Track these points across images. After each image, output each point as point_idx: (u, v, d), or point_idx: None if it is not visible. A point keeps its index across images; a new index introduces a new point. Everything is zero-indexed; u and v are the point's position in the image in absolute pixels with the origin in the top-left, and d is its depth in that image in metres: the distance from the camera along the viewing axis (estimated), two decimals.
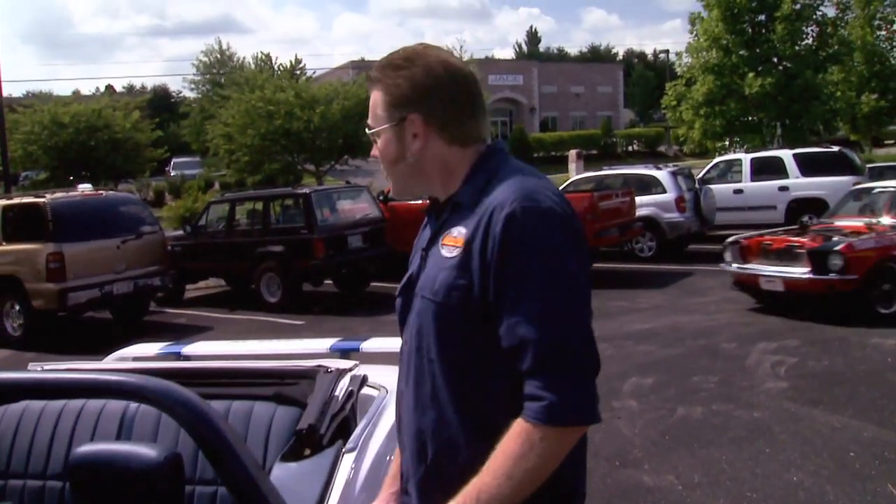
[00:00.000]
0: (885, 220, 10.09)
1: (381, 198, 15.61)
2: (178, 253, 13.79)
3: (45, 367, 2.88)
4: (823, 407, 6.08)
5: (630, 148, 50.39)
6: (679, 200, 15.09)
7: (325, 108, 34.41)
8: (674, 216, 15.05)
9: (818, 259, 9.08)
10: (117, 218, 12.04)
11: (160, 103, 64.99)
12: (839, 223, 10.40)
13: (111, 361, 3.47)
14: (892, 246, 9.15)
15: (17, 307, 11.26)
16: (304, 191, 12.97)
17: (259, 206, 13.47)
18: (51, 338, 10.99)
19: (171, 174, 42.17)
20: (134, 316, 12.62)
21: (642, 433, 5.76)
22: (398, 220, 13.86)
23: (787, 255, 9.63)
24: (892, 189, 10.73)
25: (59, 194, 12.08)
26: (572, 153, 35.87)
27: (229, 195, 15.05)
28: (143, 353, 3.57)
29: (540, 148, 48.40)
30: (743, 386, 6.76)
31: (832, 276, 8.92)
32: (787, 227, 11.61)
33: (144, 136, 34.53)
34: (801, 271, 9.25)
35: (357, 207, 13.90)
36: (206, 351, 3.46)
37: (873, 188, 11.37)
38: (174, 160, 46.34)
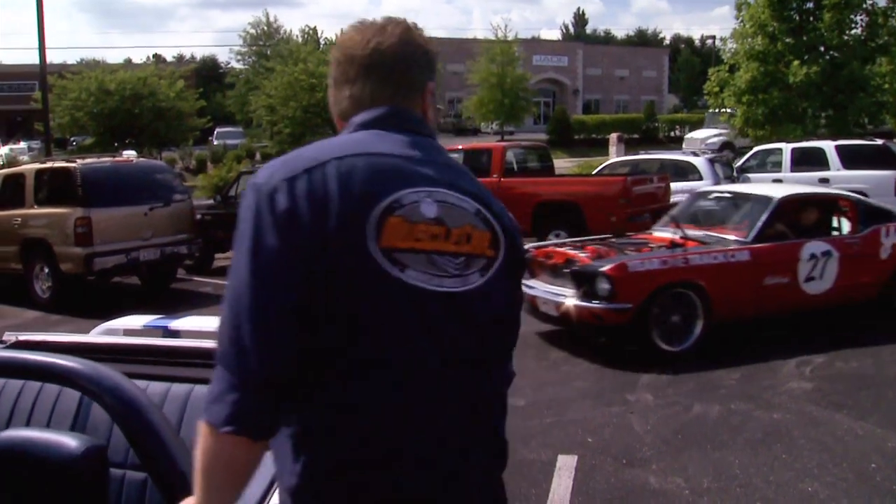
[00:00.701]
0: (694, 232, 8.15)
1: None
2: (208, 222, 13.65)
3: (20, 338, 2.79)
4: (847, 411, 5.85)
5: (672, 133, 49.58)
6: None
7: None
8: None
9: (582, 281, 7.38)
10: (147, 185, 11.93)
11: (208, 73, 65.52)
12: (657, 234, 8.66)
13: (96, 334, 3.37)
14: (682, 268, 7.32)
15: (47, 270, 11.30)
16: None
17: None
18: (78, 301, 10.98)
19: (214, 143, 42.33)
20: (161, 283, 12.60)
21: (654, 430, 5.57)
22: None
23: (561, 273, 7.84)
24: (728, 195, 9.13)
25: (90, 160, 12.07)
26: (613, 136, 35.44)
27: (259, 166, 14.99)
28: (130, 326, 3.47)
29: (581, 130, 47.93)
30: (765, 385, 6.54)
31: (597, 303, 7.19)
32: (597, 237, 9.32)
33: (188, 105, 34.82)
34: (569, 295, 7.52)
35: None
36: (195, 326, 3.34)
37: (712, 192, 9.52)
38: (217, 130, 46.71)
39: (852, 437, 5.35)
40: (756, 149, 18.25)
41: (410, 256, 1.50)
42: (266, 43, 60.29)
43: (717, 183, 14.68)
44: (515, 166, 15.60)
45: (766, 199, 8.16)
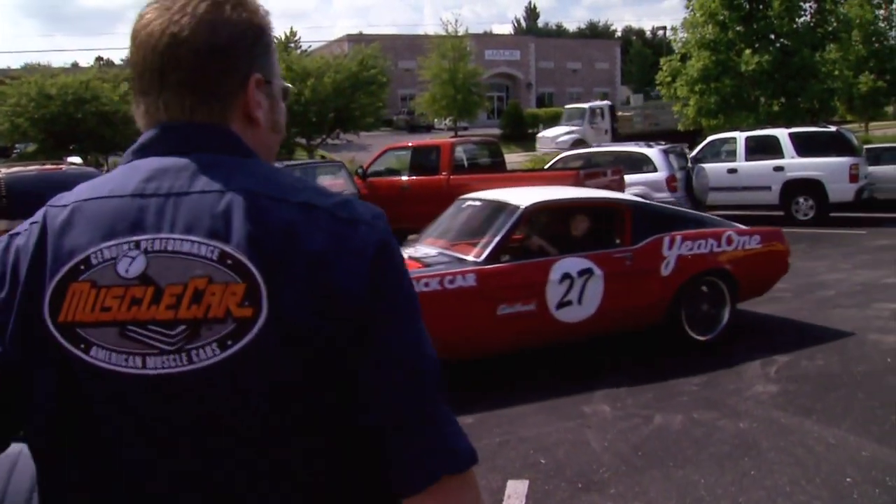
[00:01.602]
0: (428, 251, 7.15)
1: (359, 173, 15.05)
2: None
3: None
4: (817, 417, 5.45)
5: None
6: (670, 180, 14.50)
7: (317, 81, 33.95)
8: (664, 196, 14.39)
9: None
10: None
11: None
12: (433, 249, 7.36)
13: None
14: None
15: None
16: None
17: None
18: None
19: None
20: None
21: (612, 447, 5.13)
22: (377, 197, 13.29)
23: None
24: (481, 203, 7.65)
25: (15, 168, 11.57)
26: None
27: None
28: None
29: (535, 124, 47.78)
30: (730, 389, 6.14)
31: None
32: None
33: (133, 109, 33.89)
34: None
35: (333, 184, 13.32)
36: None
37: (469, 199, 8.00)
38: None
39: (824, 446, 4.95)
40: (710, 138, 18.04)
41: (96, 331, 1.15)
42: None
43: (671, 175, 14.42)
44: (466, 163, 15.16)
45: (509, 209, 6.93)
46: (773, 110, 24.20)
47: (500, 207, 7.10)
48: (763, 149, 16.21)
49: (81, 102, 32.11)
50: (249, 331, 1.11)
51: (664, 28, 55.60)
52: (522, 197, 7.12)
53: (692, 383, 6.33)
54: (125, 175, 1.22)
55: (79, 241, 1.16)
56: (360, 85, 36.64)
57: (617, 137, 33.46)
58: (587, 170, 13.52)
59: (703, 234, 7.31)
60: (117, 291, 1.14)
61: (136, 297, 1.13)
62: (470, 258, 6.57)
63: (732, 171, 16.33)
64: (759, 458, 4.81)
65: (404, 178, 14.63)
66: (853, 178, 15.22)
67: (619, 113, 40.17)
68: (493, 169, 15.20)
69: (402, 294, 1.20)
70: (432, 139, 16.72)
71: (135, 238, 1.15)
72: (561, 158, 16.95)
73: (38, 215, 1.22)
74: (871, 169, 16.31)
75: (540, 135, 39.11)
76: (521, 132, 45.99)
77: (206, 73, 1.24)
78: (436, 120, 49.83)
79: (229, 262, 1.13)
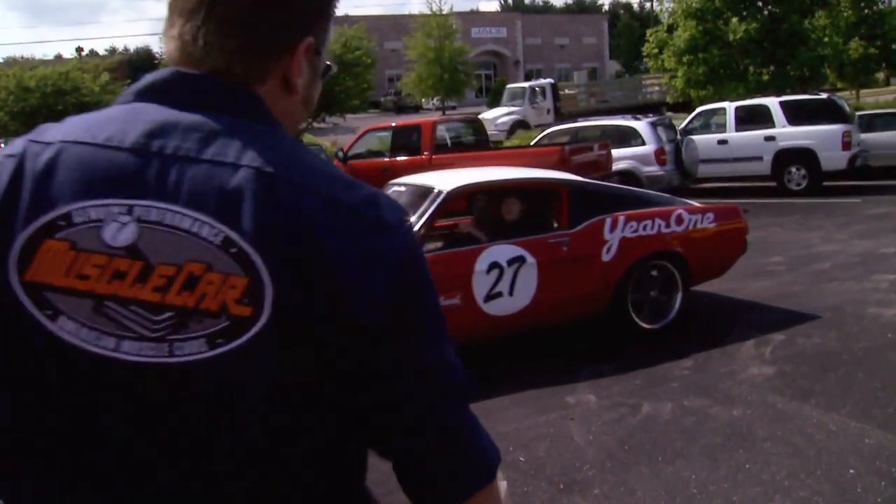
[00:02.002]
0: None
1: (339, 155, 14.66)
2: None
3: None
4: (816, 401, 5.09)
5: None
6: (659, 153, 14.14)
7: None
8: (653, 169, 14.12)
9: None
10: None
11: (143, 65, 63.89)
12: None
13: None
14: None
15: None
16: None
17: None
18: None
19: None
20: None
21: (597, 441, 4.76)
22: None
23: None
24: (408, 187, 7.00)
25: None
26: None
27: None
28: None
29: None
30: (722, 373, 5.78)
31: None
32: None
33: (115, 99, 33.80)
34: None
35: None
36: None
37: (401, 183, 7.24)
38: (529, 84, 45.33)
39: (824, 434, 4.59)
40: (699, 109, 17.65)
41: (68, 300, 1.00)
42: None
43: (660, 148, 14.04)
44: (449, 142, 14.78)
45: (431, 194, 6.35)
46: (762, 79, 23.80)
47: (423, 193, 6.48)
48: (753, 119, 15.84)
49: (61, 94, 32.01)
50: (245, 332, 0.98)
51: (651, 0, 54.91)
52: (446, 181, 6.57)
53: (682, 367, 5.97)
54: (125, 121, 1.06)
55: (61, 192, 1.02)
56: (345, 67, 36.21)
57: (560, 117, 32.41)
58: (573, 145, 13.17)
59: (649, 213, 6.78)
60: (99, 259, 1.00)
61: (120, 271, 0.99)
62: None
63: (723, 142, 15.95)
64: (755, 450, 4.45)
65: (385, 159, 14.25)
66: (846, 145, 14.86)
67: (563, 91, 38.67)
68: (476, 147, 14.82)
69: (427, 308, 1.09)
70: (412, 119, 16.28)
71: (128, 202, 1.00)
72: (547, 134, 16.55)
73: (15, 147, 1.08)
74: (864, 136, 15.94)
75: (480, 116, 37.94)
76: None
77: (263, 17, 1.09)
78: (423, 100, 49.38)
79: (233, 250, 0.98)
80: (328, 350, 1.01)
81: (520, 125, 30.96)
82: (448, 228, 7.33)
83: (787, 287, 8.08)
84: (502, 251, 6.20)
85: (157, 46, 69.38)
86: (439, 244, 6.68)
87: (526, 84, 37.83)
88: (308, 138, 33.31)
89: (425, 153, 13.64)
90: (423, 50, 42.60)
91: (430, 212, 6.17)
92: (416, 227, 6.04)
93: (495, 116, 32.69)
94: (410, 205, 6.45)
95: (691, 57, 24.24)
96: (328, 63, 1.22)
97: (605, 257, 6.55)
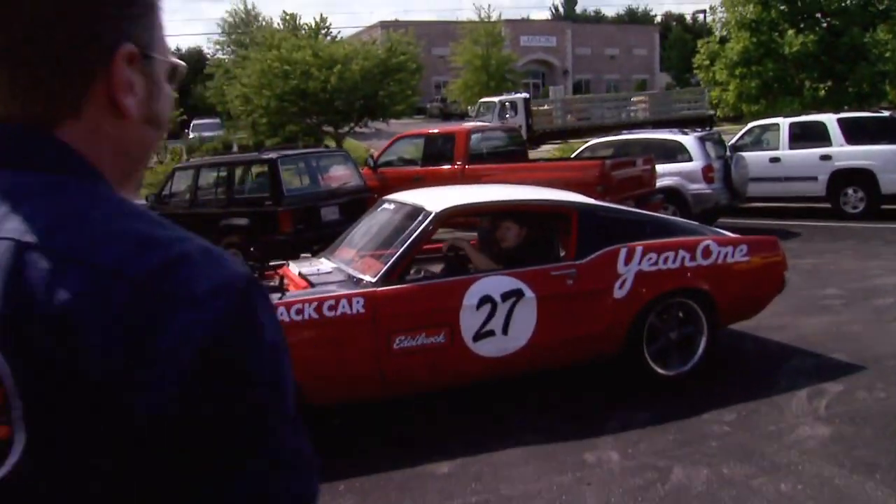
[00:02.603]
0: (328, 266, 6.03)
1: (369, 163, 14.06)
2: None
3: None
4: (882, 476, 4.30)
5: None
6: (707, 170, 13.24)
7: (343, 68, 33.21)
8: (700, 187, 13.22)
9: None
10: None
11: (195, 66, 64.26)
12: (299, 268, 6.19)
13: None
14: None
15: None
16: (269, 156, 11.34)
17: (224, 173, 11.87)
18: None
19: (190, 136, 41.22)
20: None
21: None
22: (388, 189, 12.26)
23: None
24: (395, 206, 6.35)
25: None
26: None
27: (195, 160, 13.47)
28: None
29: None
30: (768, 432, 5.00)
31: None
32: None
33: None
34: None
35: (336, 175, 12.31)
36: None
37: (391, 200, 6.55)
38: (194, 122, 45.77)
39: None
40: (751, 125, 16.75)
41: None
42: (243, 31, 58.88)
43: (708, 164, 13.20)
44: (484, 152, 14.07)
45: (419, 215, 5.66)
46: (818, 95, 22.82)
47: (412, 213, 5.77)
48: (808, 136, 14.93)
49: None
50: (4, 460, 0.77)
51: (704, 11, 53.85)
52: (436, 200, 5.85)
53: (723, 421, 5.20)
54: None
55: None
56: (389, 72, 35.83)
57: (532, 135, 30.49)
58: (615, 159, 12.38)
59: (671, 244, 5.94)
60: None
61: None
62: (366, 278, 5.42)
63: (775, 160, 15.05)
64: None
65: (418, 168, 13.60)
66: None
67: (537, 107, 36.13)
68: (512, 158, 14.10)
69: (252, 403, 0.82)
70: (447, 126, 15.53)
71: None
72: (588, 147, 15.78)
73: None
74: None
75: None
76: None
77: (47, 35, 0.85)
78: (469, 107, 48.85)
79: None
80: (104, 480, 0.78)
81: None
82: (447, 249, 6.68)
83: (845, 326, 7.24)
84: (496, 283, 5.46)
85: (207, 47, 69.74)
86: (425, 271, 5.95)
87: (496, 98, 35.03)
88: (349, 143, 32.92)
89: (458, 163, 12.98)
90: (469, 56, 42.20)
91: (413, 237, 5.47)
92: (396, 255, 5.38)
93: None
94: (397, 227, 5.79)
95: (744, 70, 23.39)
96: (174, 62, 1.00)
97: (618, 293, 5.72)
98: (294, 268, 6.16)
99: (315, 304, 5.11)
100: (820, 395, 5.53)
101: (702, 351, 6.05)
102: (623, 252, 5.76)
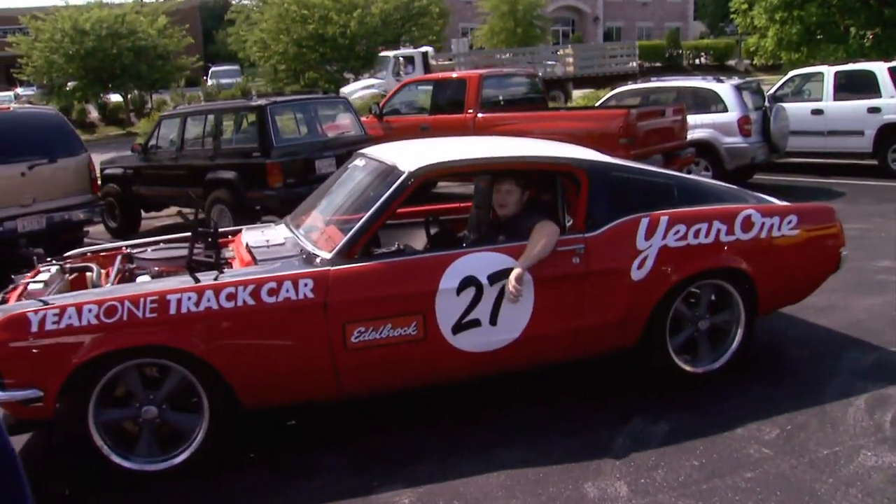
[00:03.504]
0: (280, 238, 4.94)
1: (373, 111, 12.98)
2: (130, 177, 11.83)
3: None
4: None
5: (697, 61, 46.79)
6: (743, 121, 12.01)
7: (364, 12, 32.00)
8: (735, 141, 12.01)
9: None
10: (24, 138, 9.73)
11: (219, 12, 62.95)
12: (251, 237, 5.09)
13: None
14: (149, 325, 3.99)
15: None
16: (258, 102, 10.27)
17: (211, 122, 10.82)
18: None
19: (208, 83, 40.17)
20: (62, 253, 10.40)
21: None
22: (393, 140, 11.19)
23: None
24: (367, 163, 5.14)
25: None
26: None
27: (181, 108, 12.40)
28: None
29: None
30: (819, 458, 3.92)
31: None
32: (158, 239, 5.57)
33: (174, 44, 33.16)
34: None
35: (334, 124, 11.27)
36: None
37: (364, 155, 5.33)
38: (212, 69, 44.77)
39: None
40: (792, 73, 15.41)
41: None
42: None
43: (744, 115, 11.97)
44: (501, 99, 12.91)
45: (391, 175, 4.58)
46: (865, 42, 21.31)
47: (384, 172, 4.68)
48: (855, 86, 13.62)
49: (117, 37, 31.66)
50: None
51: None
52: (414, 157, 4.71)
53: (762, 440, 4.13)
54: None
55: None
56: (412, 16, 34.51)
57: None
58: (642, 108, 11.21)
59: (705, 214, 4.82)
60: None
61: None
62: (321, 253, 4.39)
63: (817, 112, 13.76)
64: None
65: (426, 116, 12.50)
66: None
67: (436, 62, 32.82)
68: (530, 106, 12.92)
69: None
70: (458, 72, 14.19)
71: None
72: (614, 95, 14.55)
73: None
74: None
75: (342, 90, 31.39)
76: None
77: None
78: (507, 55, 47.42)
79: None
80: None
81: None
82: (427, 215, 5.67)
83: None
84: (482, 261, 4.41)
85: None
86: (408, 246, 4.91)
87: (391, 53, 32.14)
88: (324, 87, 30.76)
89: (469, 111, 11.87)
90: (496, 2, 40.65)
91: (379, 203, 4.41)
92: (356, 227, 4.36)
93: (353, 90, 28.78)
94: (368, 189, 4.74)
95: (785, 14, 21.90)
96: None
97: (637, 274, 4.63)
98: (245, 237, 5.13)
99: (251, 287, 4.10)
100: (883, 406, 4.43)
101: (737, 344, 4.97)
102: (644, 223, 4.65)
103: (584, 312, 4.58)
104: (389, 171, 4.61)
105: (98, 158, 11.67)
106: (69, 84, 33.33)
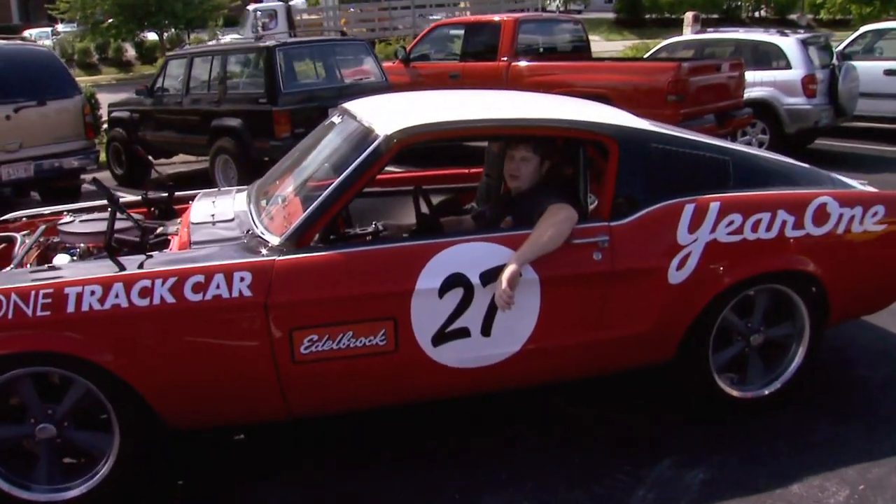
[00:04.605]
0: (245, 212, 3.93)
1: (400, 55, 11.99)
2: (137, 121, 10.93)
3: None
4: None
5: (757, 14, 44.88)
6: (808, 80, 10.78)
7: None
8: (798, 101, 10.80)
9: None
10: (10, 77, 8.98)
11: None
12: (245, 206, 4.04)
13: None
14: (38, 325, 3.11)
15: None
16: (266, 44, 9.31)
17: (218, 64, 9.88)
18: None
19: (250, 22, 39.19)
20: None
21: None
22: (420, 87, 10.20)
23: None
24: (339, 121, 4.18)
25: None
26: (689, 16, 30.83)
27: (189, 48, 11.44)
28: None
29: (653, 9, 43.23)
30: None
31: None
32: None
33: None
34: None
35: (351, 69, 10.33)
36: None
37: (344, 111, 4.24)
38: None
39: None
40: (863, 29, 14.07)
41: None
42: None
43: (809, 74, 10.75)
44: (541, 47, 11.80)
45: (366, 138, 3.58)
46: None
47: (360, 135, 3.67)
48: None
49: None
50: None
51: None
52: (396, 117, 3.67)
53: (835, 499, 3.16)
54: None
55: None
56: None
57: None
58: (695, 62, 10.06)
59: (765, 200, 3.77)
60: None
61: None
62: (270, 238, 3.43)
63: (891, 72, 12.46)
64: None
65: (456, 62, 11.50)
66: None
67: (302, 17, 29.89)
68: (570, 55, 11.79)
69: None
70: (491, 15, 13.06)
71: None
72: (665, 46, 13.36)
73: None
74: None
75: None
76: (637, 17, 41.57)
77: None
78: (546, 2, 45.76)
79: None
80: None
81: None
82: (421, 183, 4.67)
83: None
84: (473, 254, 3.43)
85: None
86: (392, 229, 3.93)
87: (250, 6, 29.28)
88: (343, 31, 28.05)
89: (503, 58, 10.80)
90: None
91: (346, 174, 3.42)
92: (313, 206, 3.38)
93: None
94: (342, 155, 3.73)
95: None
96: None
97: (676, 277, 3.61)
98: (194, 209, 4.19)
99: (171, 280, 3.17)
100: None
101: (797, 365, 3.95)
102: (688, 210, 3.62)
103: (604, 322, 3.59)
104: (365, 135, 3.62)
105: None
106: (107, 21, 32.38)
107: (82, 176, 9.73)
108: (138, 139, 10.82)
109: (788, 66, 10.99)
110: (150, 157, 4.64)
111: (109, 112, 11.73)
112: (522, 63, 10.71)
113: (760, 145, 10.85)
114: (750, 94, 10.58)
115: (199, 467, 3.70)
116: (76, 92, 9.59)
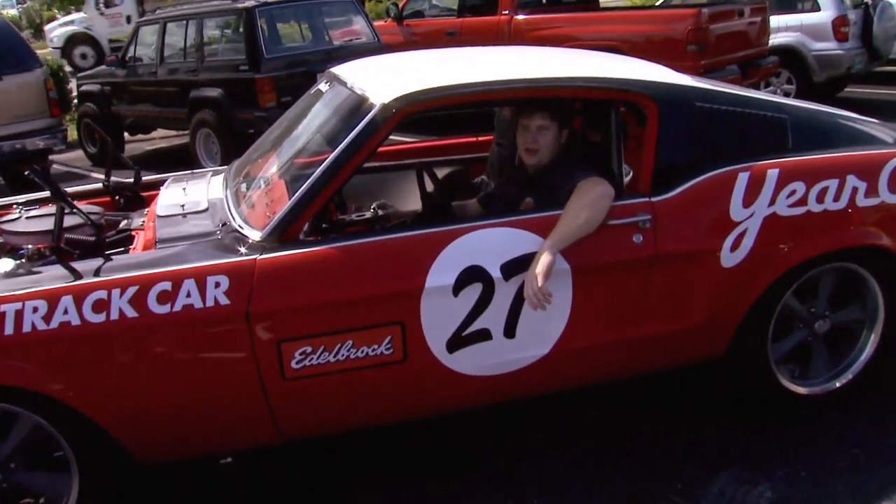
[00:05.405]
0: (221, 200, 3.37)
1: (391, 13, 11.45)
2: (109, 94, 10.43)
3: None
4: None
5: None
6: (839, 22, 10.14)
7: None
8: (828, 46, 10.17)
9: None
10: None
11: None
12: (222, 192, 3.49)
13: None
14: None
15: None
16: (244, 4, 8.71)
17: (193, 29, 9.29)
18: None
19: None
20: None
21: None
22: (415, 46, 9.63)
23: None
24: (328, 88, 3.59)
25: None
26: None
27: (161, 13, 10.76)
28: None
29: None
30: None
31: None
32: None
33: None
34: None
35: (340, 30, 9.81)
36: None
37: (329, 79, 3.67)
38: None
39: None
40: None
41: None
42: None
43: (840, 15, 10.10)
44: None
45: (357, 108, 3.03)
46: None
47: (353, 104, 3.12)
48: None
49: None
50: None
51: None
52: (393, 82, 3.11)
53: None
54: None
55: None
56: None
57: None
58: (714, 6, 9.43)
59: (832, 164, 3.22)
60: None
61: None
62: (250, 233, 2.88)
63: None
64: None
65: (453, 19, 10.95)
66: None
67: None
68: (577, 6, 11.16)
69: None
70: None
71: None
72: None
73: None
74: None
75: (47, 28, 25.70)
76: None
77: None
78: None
79: None
80: None
81: (81, 41, 22.01)
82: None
83: None
84: (491, 243, 2.89)
85: None
86: (373, 209, 3.35)
87: None
88: None
89: (504, 12, 10.19)
90: None
91: (337, 153, 2.86)
92: (297, 196, 2.83)
93: (51, 28, 23.78)
94: (333, 128, 3.17)
95: None
96: None
97: (730, 259, 3.07)
98: (161, 198, 3.63)
99: (132, 289, 2.64)
100: None
101: (870, 353, 3.41)
102: (742, 179, 3.05)
103: (646, 316, 3.05)
104: (358, 104, 3.07)
105: None
106: None
107: (50, 157, 9.24)
108: (111, 114, 10.33)
109: (817, 8, 10.35)
110: (108, 138, 4.11)
111: (79, 85, 11.15)
112: (526, 16, 10.11)
113: (786, 96, 10.25)
114: (774, 40, 9.98)
115: (182, 497, 3.21)
116: (37, 65, 9.04)
